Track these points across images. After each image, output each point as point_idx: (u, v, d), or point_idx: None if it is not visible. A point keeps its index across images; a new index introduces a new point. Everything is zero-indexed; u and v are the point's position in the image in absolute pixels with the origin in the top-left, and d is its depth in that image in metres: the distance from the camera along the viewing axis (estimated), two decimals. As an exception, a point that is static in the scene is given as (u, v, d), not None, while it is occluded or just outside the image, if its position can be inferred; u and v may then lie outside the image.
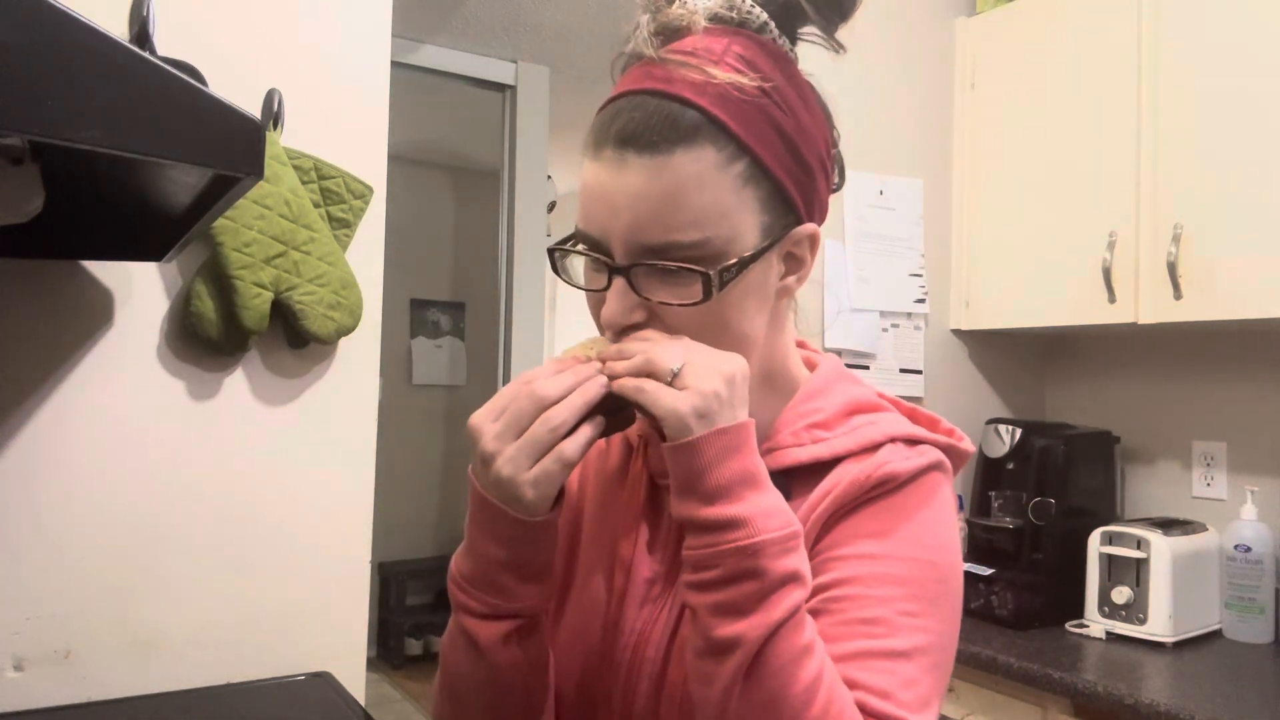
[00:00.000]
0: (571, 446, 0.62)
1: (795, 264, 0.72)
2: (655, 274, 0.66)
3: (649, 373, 0.62)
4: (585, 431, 0.62)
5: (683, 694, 0.68)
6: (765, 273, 0.69)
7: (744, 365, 0.64)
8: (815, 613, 0.65)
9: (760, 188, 0.67)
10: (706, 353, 0.63)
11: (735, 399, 0.62)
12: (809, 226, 0.71)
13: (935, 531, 0.69)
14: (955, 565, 0.70)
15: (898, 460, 0.70)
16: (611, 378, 0.63)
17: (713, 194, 0.64)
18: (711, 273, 0.64)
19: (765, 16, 0.70)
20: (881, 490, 0.69)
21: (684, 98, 0.65)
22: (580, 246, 0.69)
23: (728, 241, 0.65)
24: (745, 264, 0.66)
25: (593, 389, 0.63)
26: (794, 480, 0.72)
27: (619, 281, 0.66)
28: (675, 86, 0.65)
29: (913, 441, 0.73)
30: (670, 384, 0.61)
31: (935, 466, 0.72)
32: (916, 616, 0.66)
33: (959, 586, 0.71)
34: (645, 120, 0.64)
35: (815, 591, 0.66)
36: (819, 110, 0.72)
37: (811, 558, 0.68)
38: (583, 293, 0.71)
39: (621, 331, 0.67)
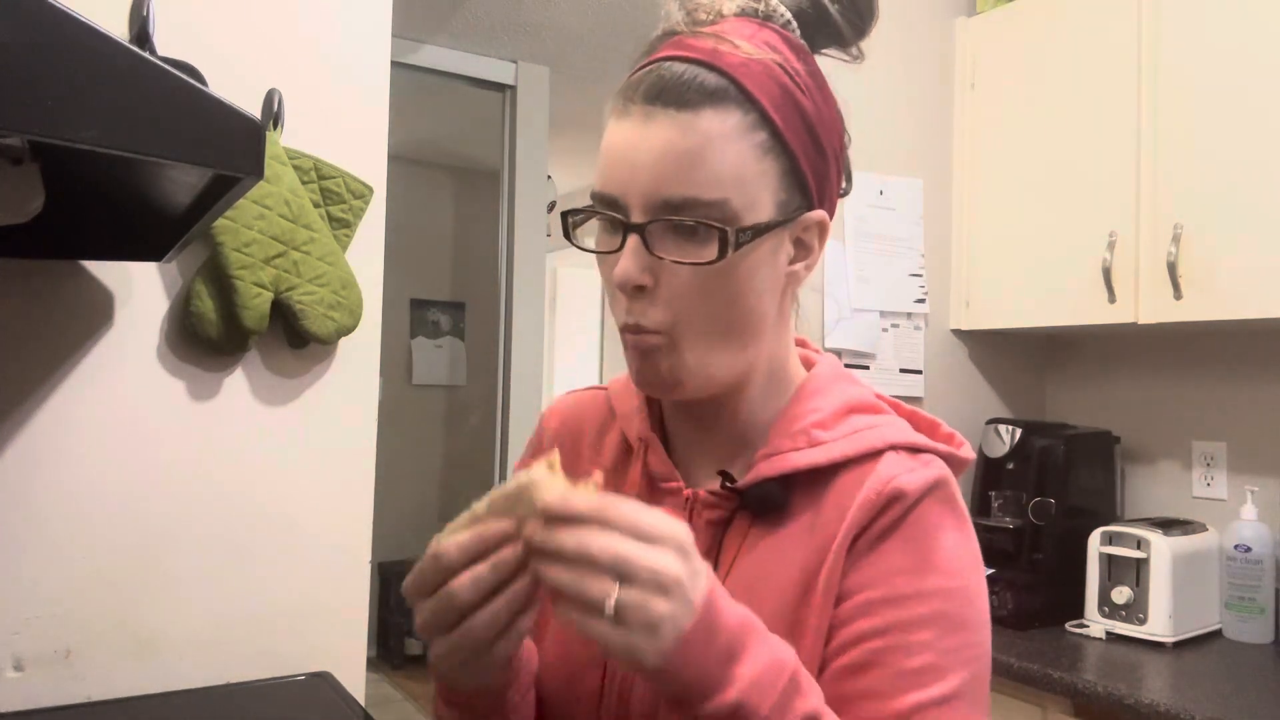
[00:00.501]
0: (504, 647, 0.59)
1: (804, 251, 0.72)
2: (671, 233, 0.66)
3: (586, 605, 0.54)
4: (518, 629, 0.59)
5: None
6: (776, 251, 0.69)
7: (683, 538, 0.57)
8: (865, 665, 0.65)
9: (779, 162, 0.67)
10: (643, 553, 0.55)
11: (687, 593, 0.55)
12: (819, 213, 0.71)
13: (959, 554, 0.69)
14: (982, 580, 0.71)
15: (903, 473, 0.69)
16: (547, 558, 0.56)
17: (735, 157, 0.65)
18: (729, 230, 0.65)
19: (789, 15, 0.72)
20: (896, 511, 0.68)
21: (713, 64, 0.66)
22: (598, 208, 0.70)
23: (745, 208, 0.66)
24: (761, 230, 0.67)
25: (519, 598, 0.58)
26: (794, 486, 0.72)
27: (634, 239, 0.66)
28: (705, 54, 0.67)
29: (914, 449, 0.72)
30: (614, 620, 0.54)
31: (945, 480, 0.71)
32: (958, 651, 0.67)
33: (986, 597, 0.72)
34: (675, 80, 0.66)
35: (859, 639, 0.66)
36: (835, 106, 0.73)
37: (843, 597, 0.67)
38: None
39: (632, 292, 0.67)
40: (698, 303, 0.67)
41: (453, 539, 0.59)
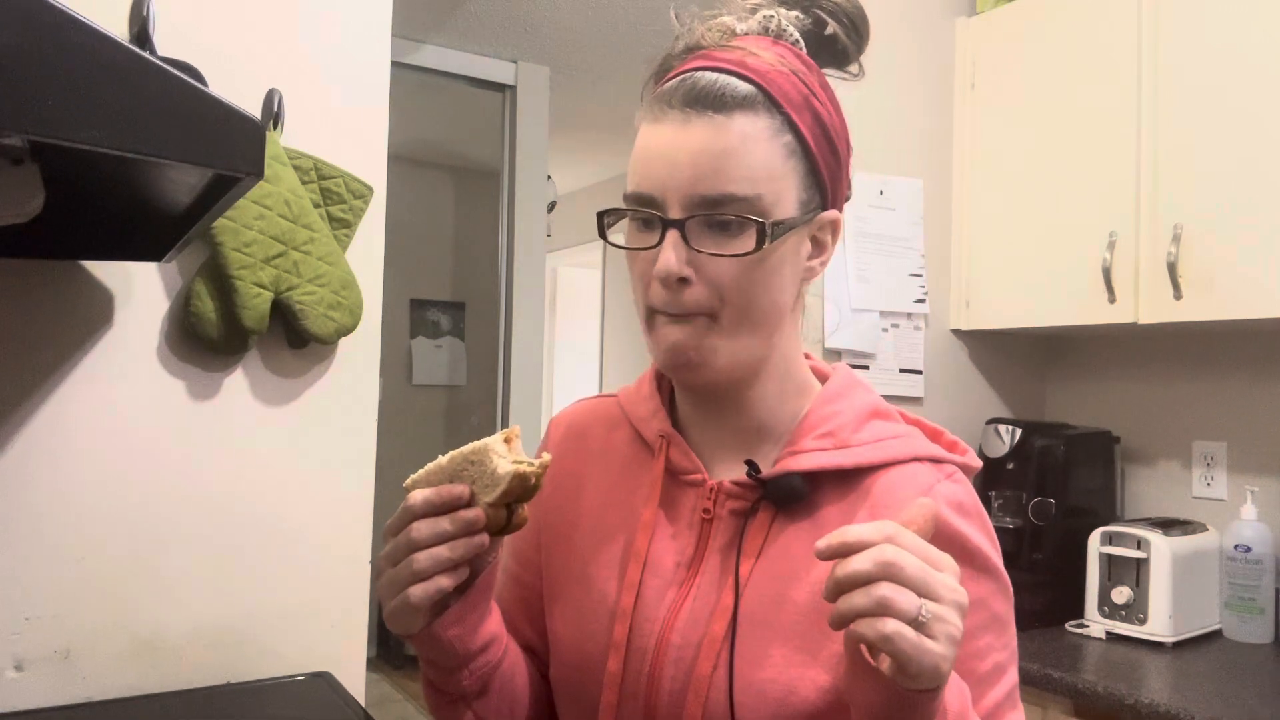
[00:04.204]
0: (418, 592, 0.65)
1: (819, 248, 0.77)
2: (707, 228, 0.70)
3: (887, 613, 0.55)
4: (440, 582, 0.66)
5: (710, 686, 0.71)
6: (798, 246, 0.74)
7: (957, 568, 0.60)
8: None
9: (801, 164, 0.72)
10: (940, 575, 0.58)
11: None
12: (834, 213, 0.77)
13: (995, 556, 0.75)
14: (1004, 570, 0.76)
15: (937, 486, 0.74)
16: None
17: (765, 156, 0.70)
18: (766, 222, 0.69)
19: (797, 35, 0.77)
20: (948, 528, 0.72)
21: (741, 73, 0.72)
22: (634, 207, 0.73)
23: (773, 204, 0.71)
24: (791, 225, 0.72)
25: (458, 550, 0.66)
26: (820, 484, 0.75)
27: (673, 234, 0.70)
28: (733, 64, 0.72)
29: (936, 460, 0.77)
30: (918, 628, 0.56)
31: (972, 490, 0.77)
32: (1008, 645, 0.74)
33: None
34: (709, 87, 0.71)
35: None
36: (843, 116, 0.78)
37: None
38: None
39: (674, 284, 0.71)
40: (733, 291, 0.71)
41: (421, 494, 0.67)
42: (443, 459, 0.69)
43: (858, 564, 0.56)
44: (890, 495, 0.73)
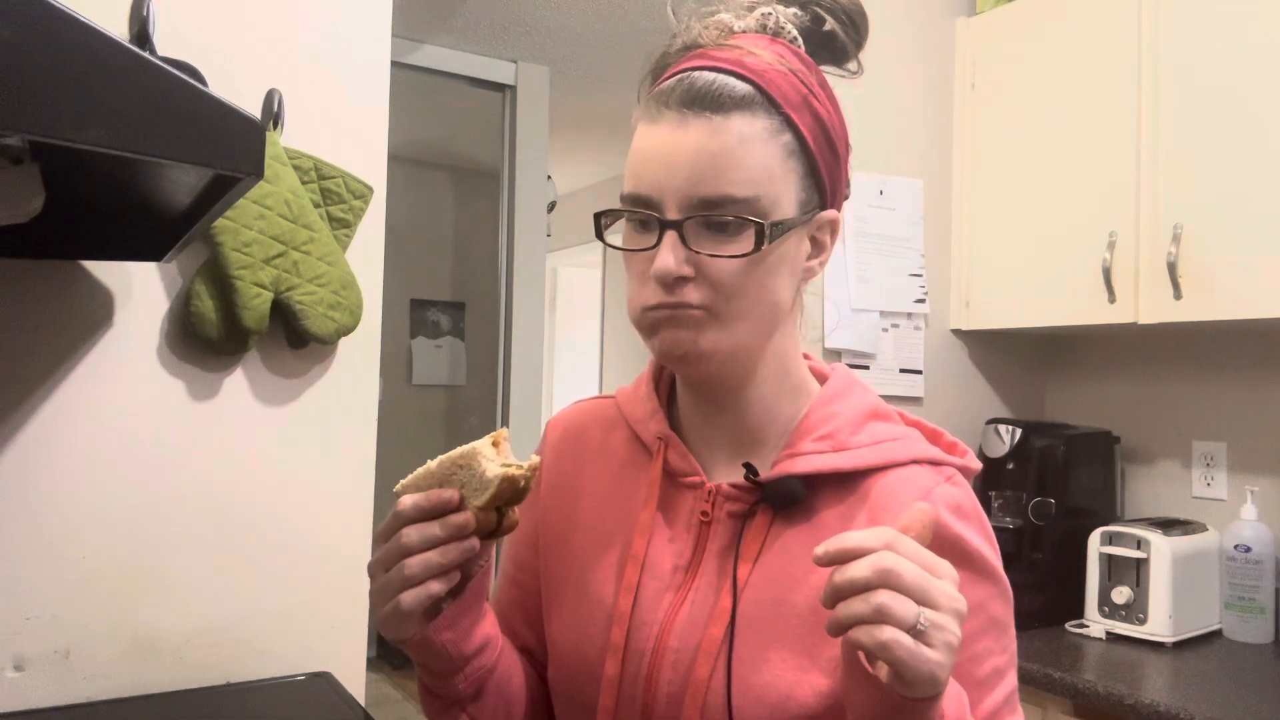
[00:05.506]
0: (409, 598, 0.65)
1: (818, 248, 0.77)
2: (705, 228, 0.70)
3: (886, 621, 0.55)
4: (431, 587, 0.66)
5: (708, 690, 0.70)
6: (797, 246, 0.74)
7: (955, 574, 0.59)
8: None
9: (800, 164, 0.72)
10: (938, 583, 0.57)
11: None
12: (832, 213, 0.76)
13: (994, 560, 0.74)
14: (1003, 573, 0.76)
15: (936, 490, 0.73)
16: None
17: (763, 157, 0.70)
18: (765, 223, 0.69)
19: (796, 33, 0.77)
20: (945, 531, 0.71)
21: (739, 72, 0.71)
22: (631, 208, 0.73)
23: (772, 205, 0.70)
24: (790, 225, 0.71)
25: (450, 555, 0.66)
26: (818, 487, 0.74)
27: (671, 235, 0.69)
28: (730, 64, 0.72)
29: (935, 463, 0.76)
30: (916, 636, 0.55)
31: (971, 493, 0.76)
32: (1006, 649, 0.74)
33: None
34: (706, 87, 0.70)
35: None
36: (842, 114, 0.78)
37: None
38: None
39: (674, 283, 0.70)
40: (731, 291, 0.71)
41: (411, 499, 0.67)
42: (431, 464, 0.69)
43: (856, 571, 0.56)
44: (889, 498, 0.73)
